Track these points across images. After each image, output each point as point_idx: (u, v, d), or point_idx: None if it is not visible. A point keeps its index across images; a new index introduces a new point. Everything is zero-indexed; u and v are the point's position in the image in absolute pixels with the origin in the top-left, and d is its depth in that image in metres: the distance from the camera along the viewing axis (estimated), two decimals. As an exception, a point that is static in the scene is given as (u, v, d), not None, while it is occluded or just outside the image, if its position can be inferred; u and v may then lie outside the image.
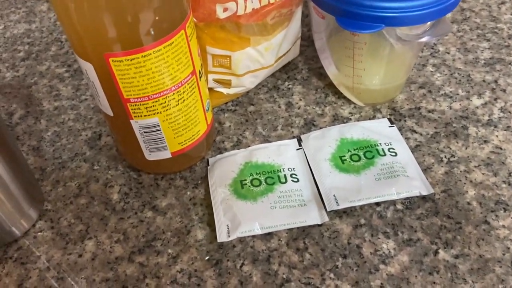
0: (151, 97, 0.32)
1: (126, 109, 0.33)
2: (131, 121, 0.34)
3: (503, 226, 0.34)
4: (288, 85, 0.47)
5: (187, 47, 0.32)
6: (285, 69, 0.48)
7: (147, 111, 0.33)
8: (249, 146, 0.41)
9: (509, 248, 0.33)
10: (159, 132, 0.35)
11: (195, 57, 0.33)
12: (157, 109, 0.33)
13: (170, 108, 0.34)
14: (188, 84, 0.34)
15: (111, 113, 0.34)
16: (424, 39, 0.36)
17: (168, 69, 0.31)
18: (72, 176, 0.41)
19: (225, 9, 0.37)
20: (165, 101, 0.33)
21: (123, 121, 0.34)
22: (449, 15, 0.53)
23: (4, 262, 0.35)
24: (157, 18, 0.29)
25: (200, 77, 0.35)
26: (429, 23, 0.36)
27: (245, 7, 0.37)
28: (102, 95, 0.33)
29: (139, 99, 0.32)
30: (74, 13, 0.28)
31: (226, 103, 0.46)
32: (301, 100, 0.45)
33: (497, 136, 0.40)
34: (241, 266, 0.33)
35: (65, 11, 0.28)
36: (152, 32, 0.29)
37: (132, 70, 0.30)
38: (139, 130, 0.35)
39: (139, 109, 0.33)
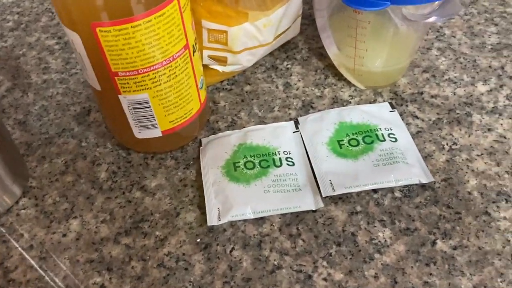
0: (141, 71, 0.30)
1: (114, 84, 0.31)
2: (119, 96, 0.32)
3: (504, 218, 0.33)
4: (287, 65, 0.45)
5: (180, 19, 0.30)
6: (284, 48, 0.46)
7: (136, 86, 0.31)
8: (244, 127, 0.40)
9: (509, 240, 0.31)
10: (148, 109, 0.33)
11: (188, 31, 0.32)
12: (147, 84, 0.31)
13: (161, 84, 0.32)
14: (180, 59, 0.32)
15: (98, 88, 0.32)
16: (431, 20, 0.34)
17: (159, 42, 0.30)
18: (59, 153, 0.39)
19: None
20: (155, 76, 0.31)
21: (111, 96, 0.32)
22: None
23: (-15, 240, 0.34)
24: (148, -15, 0.27)
25: (193, 52, 0.33)
26: (437, 2, 0.34)
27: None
28: (90, 68, 0.31)
29: (127, 73, 0.30)
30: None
31: (222, 81, 0.44)
32: (299, 81, 0.43)
33: (501, 124, 0.39)
34: (231, 251, 0.32)
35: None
36: (143, 1, 0.27)
37: (121, 42, 0.28)
38: (128, 106, 0.33)
39: (127, 83, 0.31)
